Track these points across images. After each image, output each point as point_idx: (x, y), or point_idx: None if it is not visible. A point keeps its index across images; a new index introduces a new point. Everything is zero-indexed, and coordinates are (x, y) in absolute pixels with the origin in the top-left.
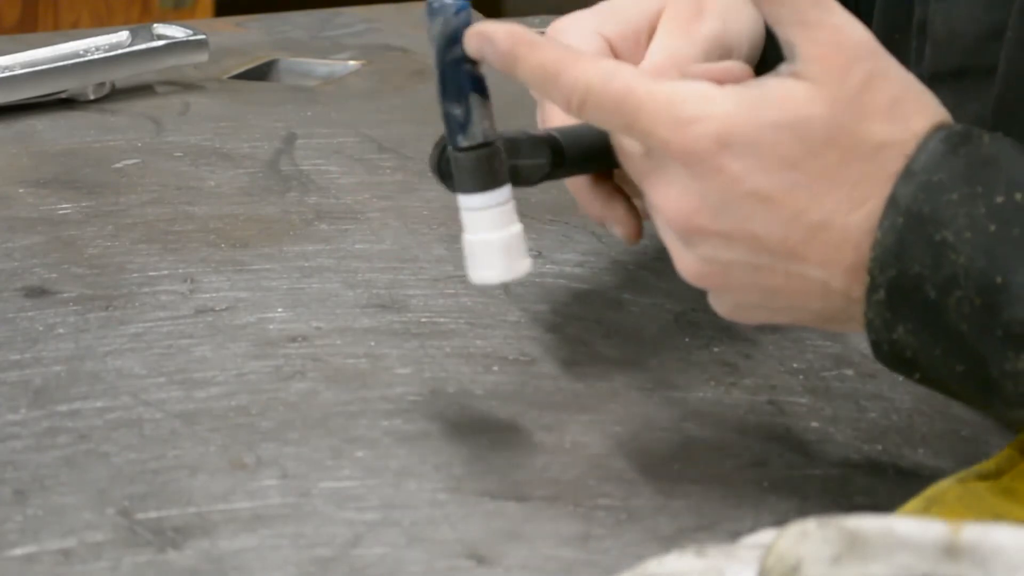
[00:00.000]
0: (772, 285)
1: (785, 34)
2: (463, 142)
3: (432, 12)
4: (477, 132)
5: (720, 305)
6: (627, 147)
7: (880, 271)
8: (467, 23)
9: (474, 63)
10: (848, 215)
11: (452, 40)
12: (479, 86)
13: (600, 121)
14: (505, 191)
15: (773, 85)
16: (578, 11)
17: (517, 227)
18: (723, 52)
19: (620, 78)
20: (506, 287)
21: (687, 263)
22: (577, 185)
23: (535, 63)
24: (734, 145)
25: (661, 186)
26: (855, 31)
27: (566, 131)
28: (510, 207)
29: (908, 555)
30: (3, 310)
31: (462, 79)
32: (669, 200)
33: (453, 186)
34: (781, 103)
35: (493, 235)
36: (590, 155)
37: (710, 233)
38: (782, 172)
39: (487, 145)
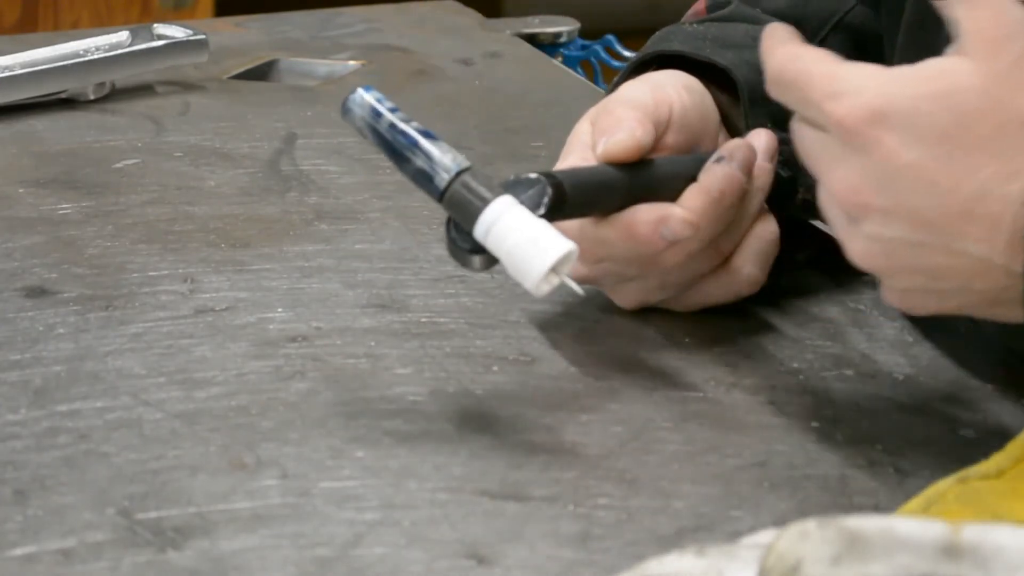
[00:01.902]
0: (934, 265)
1: (951, 12)
2: (441, 183)
3: (347, 111)
4: (448, 164)
5: (890, 293)
6: (805, 135)
7: None
8: (373, 93)
9: (407, 119)
10: (1004, 186)
11: (376, 113)
12: (424, 133)
13: (784, 99)
14: (508, 198)
15: (932, 62)
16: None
17: (539, 220)
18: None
19: (801, 60)
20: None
21: (855, 245)
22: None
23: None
24: (888, 117)
25: (829, 165)
26: (1015, 9)
27: (569, 172)
28: (521, 208)
29: (908, 555)
30: (3, 310)
31: (405, 137)
32: (835, 178)
33: (471, 240)
34: (937, 77)
35: (517, 235)
36: (597, 193)
37: (873, 210)
38: (936, 144)
39: (464, 170)
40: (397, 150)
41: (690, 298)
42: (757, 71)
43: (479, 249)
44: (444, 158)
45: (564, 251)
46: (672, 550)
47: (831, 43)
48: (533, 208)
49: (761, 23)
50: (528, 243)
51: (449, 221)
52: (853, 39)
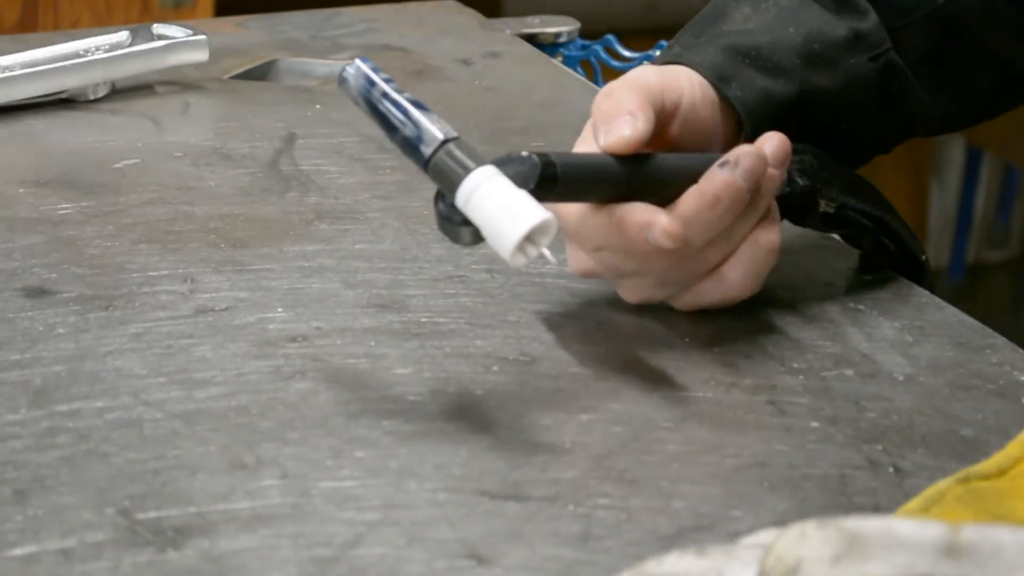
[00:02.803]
0: None
1: None
2: (426, 151)
3: (343, 80)
4: (434, 133)
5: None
6: None
7: None
8: (369, 64)
9: (400, 90)
10: None
11: (369, 82)
12: (415, 104)
13: None
14: (490, 168)
15: None
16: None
17: (519, 190)
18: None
19: None
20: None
21: None
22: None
23: None
24: None
25: None
26: None
27: (565, 154)
28: (502, 178)
29: (908, 555)
30: (3, 310)
31: (396, 106)
32: None
33: (453, 213)
34: None
35: (494, 203)
36: (590, 179)
37: None
38: None
39: (449, 140)
40: (387, 119)
41: (686, 298)
42: (777, 104)
43: (468, 221)
44: (432, 127)
45: (539, 219)
46: (672, 550)
47: (915, 33)
48: (522, 185)
49: (846, 6)
50: (505, 211)
51: (438, 194)
52: (942, 30)
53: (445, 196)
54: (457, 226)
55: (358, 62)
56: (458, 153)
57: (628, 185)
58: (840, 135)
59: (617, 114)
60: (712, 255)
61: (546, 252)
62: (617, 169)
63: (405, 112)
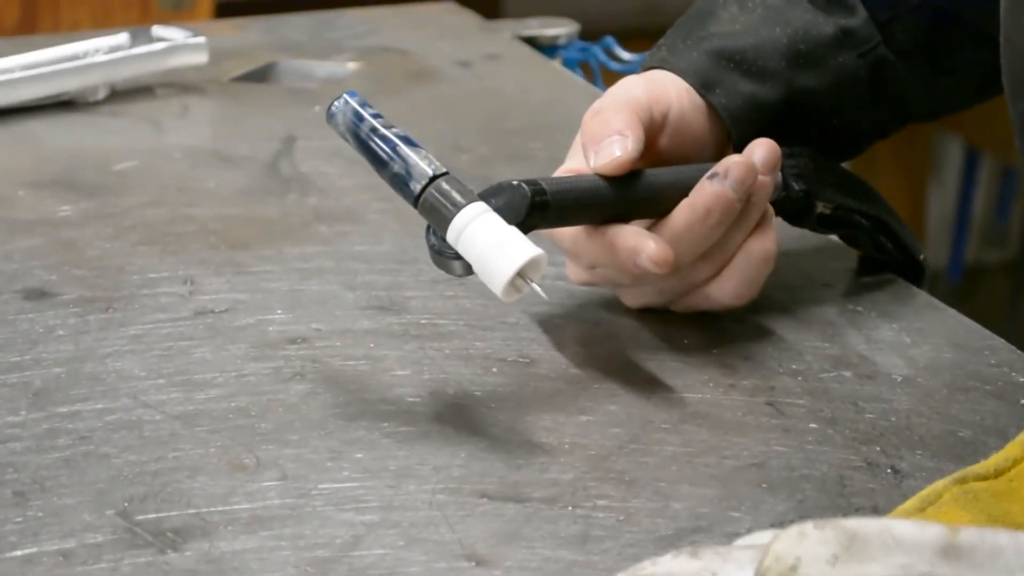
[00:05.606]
0: None
1: None
2: (416, 188)
3: (331, 115)
4: (424, 169)
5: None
6: None
7: None
8: (357, 98)
9: (389, 126)
10: None
11: (358, 117)
12: (404, 139)
13: None
14: (480, 205)
15: None
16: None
17: (509, 226)
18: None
19: None
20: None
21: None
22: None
23: None
24: None
25: None
26: None
27: (554, 180)
28: (492, 215)
29: (906, 556)
30: (3, 312)
31: (385, 141)
32: None
33: (444, 246)
34: None
35: (485, 240)
36: (582, 202)
37: None
38: None
39: (439, 176)
40: (377, 155)
41: (684, 303)
42: (763, 109)
43: (460, 254)
44: (421, 164)
45: (529, 257)
46: (668, 551)
47: (906, 23)
48: (514, 214)
49: (834, 2)
50: (495, 248)
51: (429, 227)
52: (934, 18)
53: (435, 230)
54: (449, 259)
55: (346, 97)
56: (447, 189)
57: (620, 205)
58: (833, 130)
59: (606, 135)
60: (706, 267)
61: (537, 287)
62: (608, 190)
63: (394, 148)
